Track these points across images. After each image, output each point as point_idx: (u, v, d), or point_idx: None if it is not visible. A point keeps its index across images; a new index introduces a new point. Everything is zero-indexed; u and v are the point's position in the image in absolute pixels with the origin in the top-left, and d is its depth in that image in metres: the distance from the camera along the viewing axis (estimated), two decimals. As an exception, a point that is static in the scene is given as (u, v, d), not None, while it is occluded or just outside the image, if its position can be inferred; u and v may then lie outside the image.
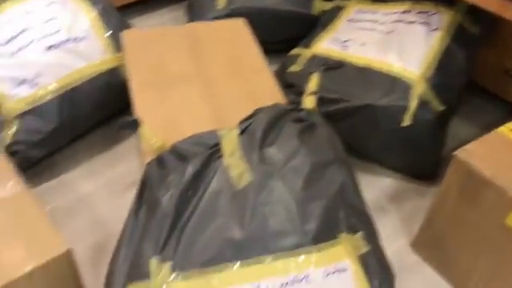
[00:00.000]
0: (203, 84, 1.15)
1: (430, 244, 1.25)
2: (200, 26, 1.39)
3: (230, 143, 0.89)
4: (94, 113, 1.45)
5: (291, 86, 1.38)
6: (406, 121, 1.29)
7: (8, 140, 1.27)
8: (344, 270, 0.83)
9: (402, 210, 1.38)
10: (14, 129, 1.29)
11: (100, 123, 1.53)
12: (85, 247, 1.22)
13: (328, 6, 1.69)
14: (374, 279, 0.86)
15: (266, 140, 0.89)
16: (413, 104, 1.29)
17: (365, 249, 0.89)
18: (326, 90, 1.32)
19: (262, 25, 1.52)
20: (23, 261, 0.91)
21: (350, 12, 1.60)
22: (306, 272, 0.81)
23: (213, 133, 0.91)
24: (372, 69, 1.35)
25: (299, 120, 0.94)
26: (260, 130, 0.89)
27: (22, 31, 1.32)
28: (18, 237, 0.94)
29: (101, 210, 1.34)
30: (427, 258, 1.26)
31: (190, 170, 0.86)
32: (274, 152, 0.87)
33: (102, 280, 0.92)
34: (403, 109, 1.29)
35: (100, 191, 1.39)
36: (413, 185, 1.44)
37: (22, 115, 1.30)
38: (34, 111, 1.32)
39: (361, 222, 0.92)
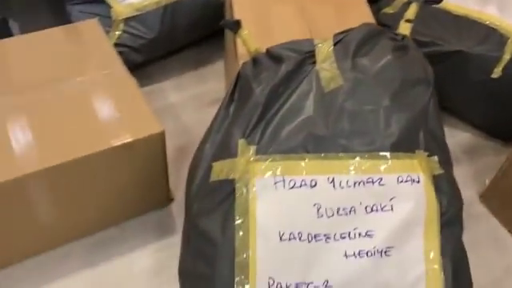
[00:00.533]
0: (300, 5, 1.20)
1: (499, 197, 1.25)
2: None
3: (324, 50, 0.94)
4: (190, 29, 1.54)
5: (384, 26, 1.39)
6: (497, 73, 1.27)
7: (114, 40, 1.39)
8: (416, 181, 0.87)
9: (475, 163, 1.38)
10: (120, 31, 1.40)
11: (193, 43, 1.63)
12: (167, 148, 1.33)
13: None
14: (443, 198, 0.89)
15: (359, 51, 0.93)
16: (506, 56, 1.27)
17: (438, 171, 0.92)
18: (418, 33, 1.32)
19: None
20: (125, 132, 1.02)
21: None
22: (380, 175, 0.85)
23: (308, 40, 0.96)
24: (469, 18, 1.34)
25: (393, 40, 0.97)
26: (354, 42, 0.93)
27: None
28: (124, 113, 1.05)
29: (185, 119, 1.45)
30: (494, 211, 1.26)
31: (284, 69, 0.92)
32: (366, 62, 0.91)
33: (182, 177, 1.00)
34: (496, 60, 1.27)
35: (186, 103, 1.49)
36: (490, 142, 1.43)
37: (129, 20, 1.41)
38: (139, 18, 1.42)
39: (438, 147, 0.94)
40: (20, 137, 1.00)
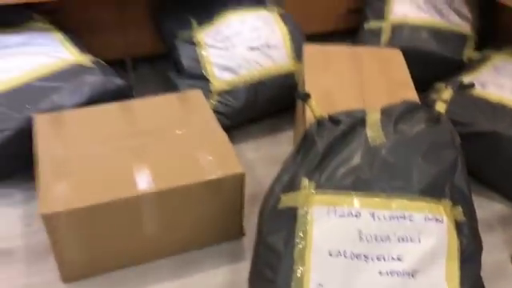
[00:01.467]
0: (359, 83, 1.53)
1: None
2: (364, 49, 1.78)
3: (373, 117, 1.24)
4: (268, 103, 1.90)
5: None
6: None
7: (210, 107, 1.77)
8: (440, 221, 1.10)
9: (508, 230, 1.56)
10: (215, 101, 1.79)
11: (270, 114, 1.98)
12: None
13: (477, 55, 1.96)
14: (463, 239, 1.12)
15: (400, 119, 1.22)
16: (536, 138, 1.50)
17: (461, 218, 1.15)
18: (454, 114, 1.59)
19: (414, 61, 1.85)
20: (216, 171, 1.35)
21: (496, 62, 1.85)
22: (410, 213, 1.10)
23: (361, 110, 1.27)
24: (503, 104, 1.59)
25: (428, 113, 1.25)
26: (397, 112, 1.23)
27: (236, 34, 1.84)
28: (216, 156, 1.39)
29: (258, 173, 1.76)
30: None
31: (340, 128, 1.22)
32: (404, 127, 1.20)
33: (252, 219, 1.29)
34: (526, 140, 1.50)
35: (260, 161, 1.82)
36: (525, 214, 1.61)
37: (222, 92, 1.80)
38: (231, 92, 1.81)
39: (463, 200, 1.17)
40: (138, 166, 1.35)
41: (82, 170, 1.34)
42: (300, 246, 1.10)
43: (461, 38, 2.07)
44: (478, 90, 1.67)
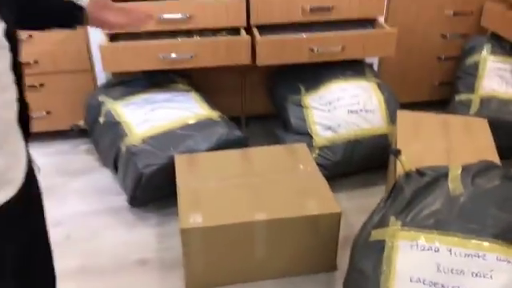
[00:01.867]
0: (449, 146, 1.77)
1: None
2: (453, 117, 2.01)
3: (454, 172, 1.47)
4: (363, 160, 2.18)
5: None
6: None
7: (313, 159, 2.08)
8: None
9: None
10: (316, 154, 2.10)
11: (364, 170, 2.25)
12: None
13: None
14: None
15: (477, 175, 1.44)
16: None
17: (532, 263, 1.32)
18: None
19: (500, 131, 2.04)
20: (316, 207, 1.64)
21: None
22: (484, 252, 1.30)
23: (444, 166, 1.51)
24: None
25: (504, 172, 1.46)
26: (475, 169, 1.45)
27: (338, 99, 2.18)
28: (315, 194, 1.69)
29: (350, 219, 2.01)
30: None
31: (426, 179, 1.47)
32: (481, 181, 1.42)
33: (344, 256, 1.54)
34: None
35: (353, 208, 2.07)
36: None
37: (323, 147, 2.11)
38: (330, 147, 2.12)
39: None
40: (254, 199, 1.68)
41: (211, 199, 1.70)
42: (386, 272, 1.34)
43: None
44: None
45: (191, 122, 2.09)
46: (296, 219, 1.63)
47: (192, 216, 1.62)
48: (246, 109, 2.55)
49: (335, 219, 1.66)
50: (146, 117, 2.09)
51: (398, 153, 1.62)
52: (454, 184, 1.44)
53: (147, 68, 2.14)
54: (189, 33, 2.20)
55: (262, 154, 1.97)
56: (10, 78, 0.82)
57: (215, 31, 2.22)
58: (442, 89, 2.70)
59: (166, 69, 2.20)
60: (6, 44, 0.79)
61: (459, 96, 2.44)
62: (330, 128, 2.14)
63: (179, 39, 2.16)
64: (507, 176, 1.45)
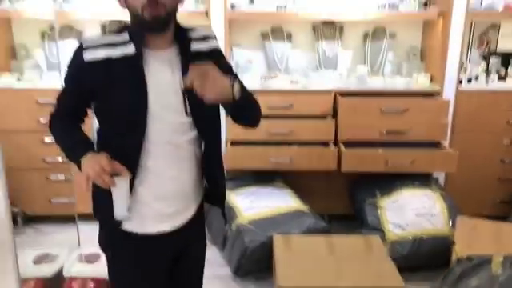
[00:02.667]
0: (497, 243, 2.17)
1: None
2: (507, 225, 2.41)
3: (497, 259, 1.89)
4: (426, 257, 2.58)
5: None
6: None
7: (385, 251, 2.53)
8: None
9: None
10: (388, 247, 2.55)
11: (427, 266, 2.64)
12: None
13: None
14: None
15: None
16: None
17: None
18: None
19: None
20: (386, 284, 2.08)
21: None
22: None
23: (489, 254, 1.93)
24: None
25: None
26: (514, 258, 1.87)
27: (407, 203, 2.66)
28: (387, 277, 2.14)
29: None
30: None
31: (473, 262, 1.89)
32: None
33: None
34: None
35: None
36: None
37: (393, 242, 2.56)
38: (399, 242, 2.56)
39: None
40: (337, 272, 2.15)
41: (303, 270, 2.20)
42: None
43: None
44: None
45: (286, 211, 2.66)
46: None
47: (288, 279, 2.12)
48: (329, 207, 3.07)
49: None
50: (252, 204, 2.70)
51: (452, 243, 2.07)
52: (496, 267, 1.86)
53: (257, 168, 2.80)
54: (289, 144, 2.86)
55: (343, 240, 2.46)
56: None
57: (310, 143, 2.86)
58: (502, 206, 3.09)
59: (270, 169, 2.84)
60: None
61: (518, 212, 2.83)
62: (400, 226, 2.61)
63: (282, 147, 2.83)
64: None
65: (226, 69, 1.39)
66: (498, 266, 1.84)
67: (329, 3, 2.97)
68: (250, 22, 3.14)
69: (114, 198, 1.31)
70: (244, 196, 2.78)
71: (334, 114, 2.84)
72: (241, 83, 1.35)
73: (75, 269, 2.22)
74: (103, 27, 3.15)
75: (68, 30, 3.10)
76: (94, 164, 1.27)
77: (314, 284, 2.09)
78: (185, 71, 1.28)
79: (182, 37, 1.37)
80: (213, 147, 1.48)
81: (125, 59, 1.30)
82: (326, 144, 2.84)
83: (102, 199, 1.37)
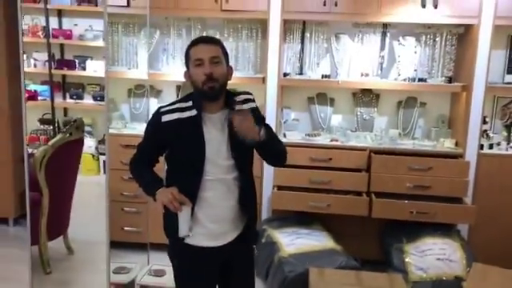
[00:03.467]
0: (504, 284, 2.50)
1: None
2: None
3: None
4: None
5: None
6: None
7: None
8: None
9: None
10: (409, 286, 2.91)
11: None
12: None
13: None
14: None
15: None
16: None
17: None
18: None
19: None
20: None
21: None
22: None
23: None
24: None
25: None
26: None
27: (429, 249, 3.03)
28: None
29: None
30: None
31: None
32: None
33: None
34: None
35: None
36: None
37: (415, 283, 2.92)
38: (420, 283, 2.91)
39: None
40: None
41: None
42: None
43: None
44: None
45: (322, 249, 3.09)
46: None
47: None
48: (361, 250, 3.44)
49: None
50: (292, 241, 3.15)
51: (460, 281, 2.43)
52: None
53: (298, 209, 3.27)
54: (328, 191, 3.32)
55: (370, 276, 2.85)
56: None
57: (345, 192, 3.31)
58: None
59: (309, 212, 3.30)
60: None
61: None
62: (421, 269, 2.97)
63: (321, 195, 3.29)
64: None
65: (260, 119, 1.94)
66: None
67: (367, 75, 3.52)
68: (298, 87, 3.72)
69: (179, 220, 1.81)
70: (286, 234, 3.24)
71: (368, 169, 3.30)
72: (270, 129, 1.91)
73: (145, 279, 2.73)
74: (178, 87, 3.83)
75: (150, 89, 3.80)
76: (168, 193, 1.79)
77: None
78: (232, 129, 1.81)
79: (229, 101, 1.90)
80: (248, 183, 1.98)
81: (189, 119, 1.86)
82: (359, 193, 3.29)
83: (170, 221, 1.88)
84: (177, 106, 1.89)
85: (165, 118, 1.86)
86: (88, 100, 4.22)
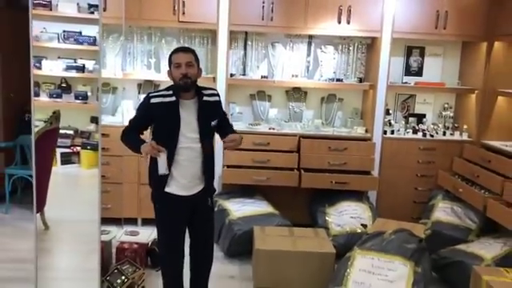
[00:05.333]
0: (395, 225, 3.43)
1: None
2: (393, 222, 3.67)
3: (388, 232, 3.15)
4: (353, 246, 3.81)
5: None
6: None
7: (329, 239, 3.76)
8: (404, 266, 2.89)
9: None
10: (331, 239, 3.78)
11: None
12: None
13: (474, 237, 3.69)
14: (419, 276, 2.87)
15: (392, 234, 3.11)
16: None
17: (418, 271, 2.90)
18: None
19: (438, 239, 3.66)
20: (318, 249, 3.33)
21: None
22: (393, 263, 2.91)
23: (384, 231, 3.20)
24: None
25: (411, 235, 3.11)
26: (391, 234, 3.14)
27: (345, 210, 3.93)
28: (320, 245, 3.38)
29: (347, 275, 3.59)
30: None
31: (369, 235, 3.14)
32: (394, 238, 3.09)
33: None
34: (472, 263, 3.17)
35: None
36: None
37: (335, 236, 3.80)
38: (339, 236, 3.80)
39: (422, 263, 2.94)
40: (293, 244, 3.37)
41: (273, 242, 3.42)
42: (349, 266, 2.97)
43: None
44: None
45: (263, 213, 3.90)
46: (312, 253, 3.29)
47: (262, 246, 3.32)
48: (293, 215, 4.27)
49: (330, 257, 3.30)
50: (239, 208, 3.94)
51: (365, 226, 3.32)
52: (386, 235, 3.10)
53: (244, 183, 4.06)
54: (267, 168, 4.14)
55: (300, 230, 3.68)
56: None
57: (280, 168, 4.14)
58: (414, 220, 4.35)
59: (253, 185, 4.10)
60: None
61: (422, 220, 4.08)
62: (339, 225, 3.86)
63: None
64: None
65: (222, 113, 2.76)
66: (388, 235, 3.08)
67: (297, 76, 4.39)
68: (242, 86, 4.51)
69: (159, 163, 2.53)
70: (234, 203, 4.02)
71: (298, 150, 4.16)
72: (227, 118, 2.77)
73: (123, 238, 3.41)
74: (139, 85, 4.51)
75: (114, 87, 4.44)
76: (148, 145, 2.52)
77: (279, 248, 3.31)
78: (199, 112, 2.60)
79: (198, 93, 2.67)
80: (209, 154, 2.73)
81: (170, 103, 2.60)
82: (291, 169, 4.13)
83: (154, 176, 2.62)
84: (162, 93, 2.62)
85: (153, 100, 2.60)
86: (43, 97, 4.71)
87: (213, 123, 2.66)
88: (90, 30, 6.70)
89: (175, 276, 2.76)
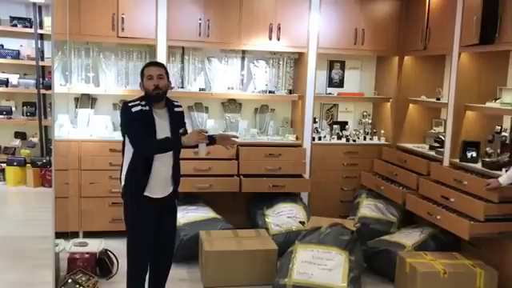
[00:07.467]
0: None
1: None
2: (327, 220, 4.08)
3: (324, 227, 3.51)
4: (292, 243, 4.16)
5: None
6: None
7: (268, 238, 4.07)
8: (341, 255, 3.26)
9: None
10: (271, 237, 4.09)
11: (296, 250, 4.21)
12: None
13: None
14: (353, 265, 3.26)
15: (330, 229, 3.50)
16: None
17: (352, 259, 3.29)
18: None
19: (366, 231, 4.11)
20: (261, 247, 3.63)
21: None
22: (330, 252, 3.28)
23: (320, 226, 3.56)
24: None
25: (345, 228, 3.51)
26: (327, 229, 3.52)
27: (282, 211, 4.27)
28: (262, 243, 3.69)
29: (287, 270, 3.92)
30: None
31: (312, 229, 3.50)
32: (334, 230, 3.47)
33: None
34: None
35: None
36: None
37: (274, 235, 4.12)
38: (278, 234, 4.12)
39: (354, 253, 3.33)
40: (239, 243, 3.63)
41: (219, 244, 3.66)
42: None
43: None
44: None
45: (206, 218, 4.13)
46: (256, 251, 3.58)
47: (210, 247, 3.55)
48: (235, 218, 4.53)
49: (273, 254, 3.61)
50: (183, 215, 4.13)
51: (303, 223, 3.67)
52: (323, 230, 3.47)
53: (187, 191, 4.26)
54: (209, 176, 4.37)
55: (243, 231, 3.96)
56: None
57: (222, 175, 4.40)
58: (341, 217, 4.80)
59: (196, 192, 4.31)
60: None
61: (350, 217, 4.53)
62: (277, 225, 4.18)
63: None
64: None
65: (184, 121, 2.99)
66: (324, 229, 3.45)
67: (232, 88, 4.69)
68: (180, 98, 4.65)
69: (199, 146, 2.82)
70: (178, 210, 4.17)
71: (237, 157, 4.44)
72: (185, 127, 3.00)
73: (73, 249, 3.48)
74: (76, 99, 4.55)
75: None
76: (194, 135, 2.80)
77: (226, 249, 3.56)
78: (171, 120, 2.85)
79: (168, 104, 2.91)
80: (177, 159, 2.97)
81: (146, 111, 2.79)
82: (232, 176, 4.40)
83: (135, 178, 2.79)
84: (137, 103, 2.81)
85: (134, 109, 2.77)
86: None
87: (180, 131, 2.92)
88: (13, 44, 6.59)
89: (144, 277, 2.94)
